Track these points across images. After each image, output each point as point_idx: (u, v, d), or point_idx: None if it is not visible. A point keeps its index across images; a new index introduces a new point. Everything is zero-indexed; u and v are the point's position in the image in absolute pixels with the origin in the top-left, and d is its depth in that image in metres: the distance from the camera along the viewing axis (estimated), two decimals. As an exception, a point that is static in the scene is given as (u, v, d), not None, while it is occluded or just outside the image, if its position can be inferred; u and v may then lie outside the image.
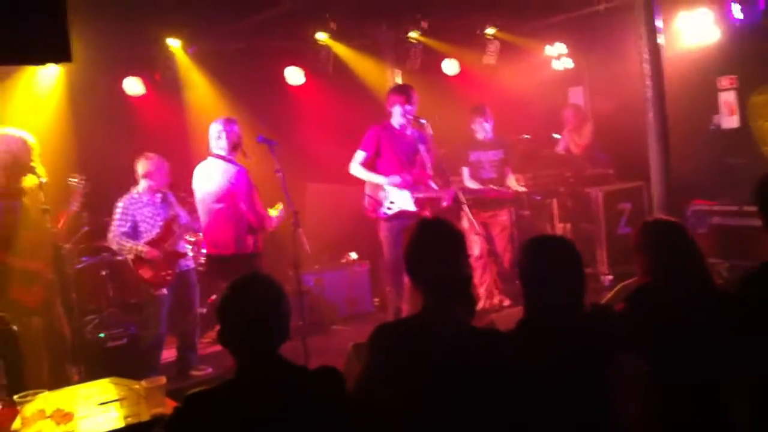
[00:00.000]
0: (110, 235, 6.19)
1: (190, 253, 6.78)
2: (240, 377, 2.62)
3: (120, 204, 6.20)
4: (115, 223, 6.17)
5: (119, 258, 7.09)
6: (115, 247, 6.24)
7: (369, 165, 6.34)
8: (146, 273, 6.14)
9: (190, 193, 6.54)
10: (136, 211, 6.20)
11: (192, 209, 6.49)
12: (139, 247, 6.11)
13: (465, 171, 7.61)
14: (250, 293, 2.68)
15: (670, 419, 3.03)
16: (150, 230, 6.21)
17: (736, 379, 3.06)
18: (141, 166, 6.26)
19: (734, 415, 3.04)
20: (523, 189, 7.69)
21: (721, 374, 3.05)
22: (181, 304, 6.42)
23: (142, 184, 6.27)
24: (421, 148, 6.33)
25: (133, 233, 6.18)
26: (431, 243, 2.90)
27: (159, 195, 6.35)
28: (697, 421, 3.03)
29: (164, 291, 6.22)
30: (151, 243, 6.15)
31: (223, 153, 5.94)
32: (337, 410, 2.66)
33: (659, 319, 3.09)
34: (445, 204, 6.37)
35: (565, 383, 2.78)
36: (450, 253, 2.88)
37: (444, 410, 2.67)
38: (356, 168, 6.34)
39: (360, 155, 6.34)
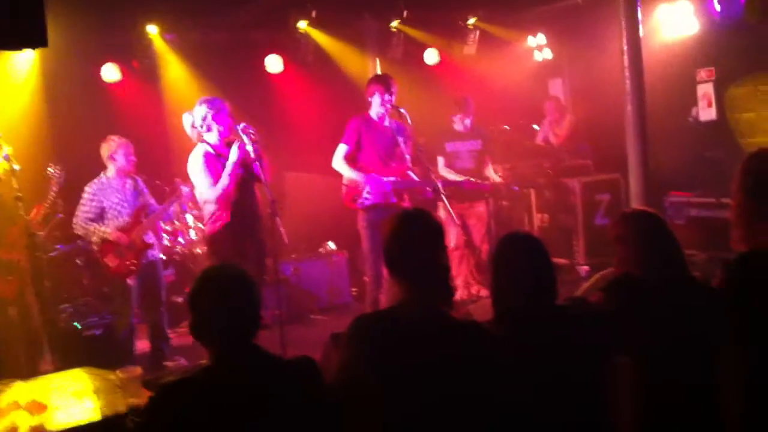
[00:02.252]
0: (75, 219, 6.10)
1: (166, 243, 6.72)
2: (214, 366, 2.61)
3: (88, 189, 6.11)
4: (81, 207, 6.08)
5: (95, 247, 7.04)
6: (80, 231, 6.15)
7: (351, 158, 6.29)
8: (112, 261, 6.06)
9: (167, 181, 6.50)
10: (103, 196, 6.11)
11: (163, 198, 6.42)
12: (103, 229, 6.02)
13: (440, 160, 7.59)
14: (219, 283, 2.65)
15: (652, 412, 3.04)
16: (117, 217, 6.12)
17: (718, 370, 3.07)
18: (104, 149, 6.16)
19: (719, 405, 3.05)
20: (501, 180, 7.71)
21: (702, 365, 3.06)
22: (148, 294, 6.34)
23: (110, 169, 6.18)
24: (400, 138, 6.31)
25: (99, 219, 6.09)
26: (410, 234, 2.89)
27: (129, 182, 6.26)
28: (680, 413, 3.04)
29: (131, 281, 6.13)
30: (119, 230, 6.07)
31: None
32: (312, 400, 2.64)
33: (637, 309, 3.09)
34: (424, 195, 6.35)
35: (544, 374, 2.79)
36: (429, 244, 2.87)
37: (423, 401, 2.66)
38: (339, 163, 6.29)
39: (342, 149, 6.29)
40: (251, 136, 5.53)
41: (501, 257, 3.03)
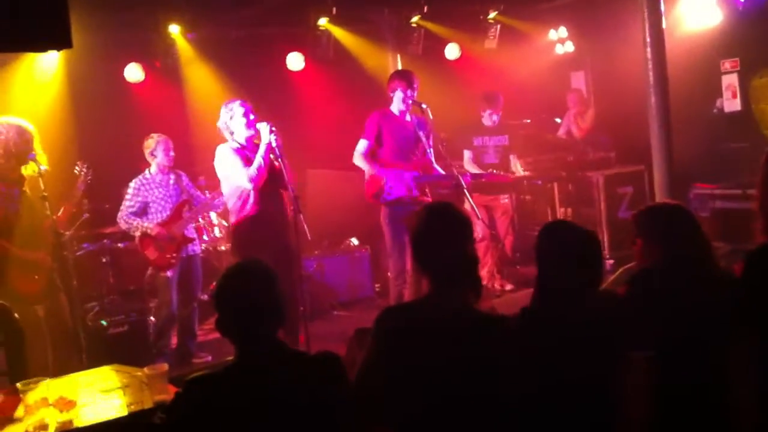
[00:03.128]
0: (119, 214, 6.25)
1: (205, 237, 6.77)
2: (239, 362, 2.63)
3: (131, 184, 6.27)
4: (125, 203, 6.24)
5: (120, 245, 7.11)
6: (123, 226, 6.28)
7: (371, 153, 6.30)
8: (152, 254, 6.20)
9: (191, 179, 6.54)
10: (147, 192, 6.26)
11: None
12: (146, 224, 6.16)
13: (467, 154, 7.60)
14: (244, 280, 2.68)
15: (676, 406, 3.02)
16: (160, 212, 6.26)
17: (741, 362, 3.05)
18: (145, 146, 6.32)
19: (741, 399, 3.03)
20: (527, 174, 7.71)
21: (727, 358, 3.04)
22: (184, 289, 6.42)
23: (153, 165, 6.33)
24: (422, 133, 6.30)
25: (143, 214, 6.25)
26: (438, 227, 2.90)
27: (172, 176, 6.39)
28: (703, 407, 3.02)
29: (169, 273, 6.24)
30: (159, 224, 6.19)
31: None
32: (335, 395, 2.66)
33: (663, 303, 3.07)
34: (446, 188, 6.35)
35: (571, 369, 2.77)
36: (457, 237, 2.88)
37: (449, 394, 2.67)
38: (359, 158, 6.30)
39: (363, 144, 6.30)
40: (274, 133, 5.56)
41: (555, 243, 2.98)
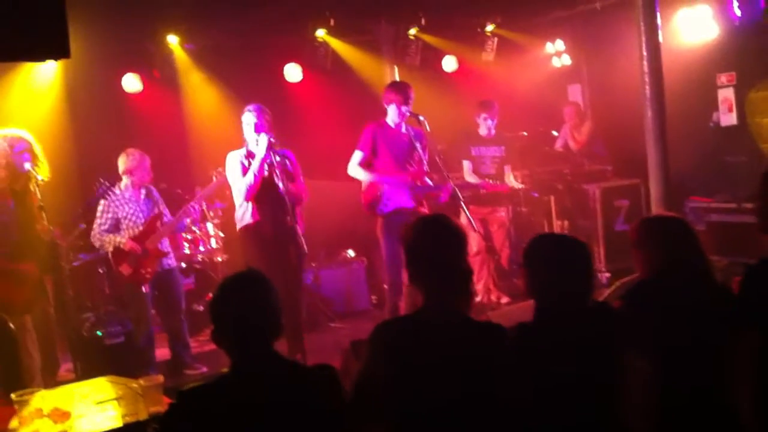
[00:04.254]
0: (92, 232, 6.17)
1: (187, 251, 6.74)
2: (234, 373, 2.62)
3: (102, 201, 6.15)
4: (96, 221, 6.15)
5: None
6: (96, 244, 6.22)
7: (366, 164, 6.32)
8: (126, 270, 6.11)
9: (187, 190, 6.54)
10: (117, 208, 6.15)
11: (178, 206, 6.48)
12: (118, 239, 6.08)
13: (466, 165, 7.60)
14: (240, 291, 2.67)
15: (672, 417, 3.02)
16: (132, 227, 6.17)
17: (738, 374, 3.04)
18: (121, 162, 6.21)
19: (738, 411, 3.02)
20: (521, 186, 7.71)
21: (723, 370, 3.04)
22: (166, 302, 6.41)
23: (124, 181, 6.22)
24: (417, 145, 6.31)
25: (115, 230, 6.15)
26: (432, 239, 2.91)
27: (143, 191, 6.31)
28: (699, 418, 3.02)
29: (145, 289, 6.17)
30: (133, 239, 6.11)
31: None
32: (331, 407, 2.65)
33: (659, 315, 3.08)
34: (442, 200, 6.36)
35: (568, 379, 2.78)
36: (451, 249, 2.89)
37: (445, 406, 2.67)
38: (354, 169, 6.32)
39: (357, 156, 6.33)
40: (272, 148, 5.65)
41: (546, 255, 2.99)
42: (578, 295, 2.92)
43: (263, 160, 5.66)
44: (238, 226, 5.92)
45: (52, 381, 5.34)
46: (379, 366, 2.76)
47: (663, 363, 3.01)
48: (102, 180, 5.93)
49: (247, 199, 5.75)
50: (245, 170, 5.75)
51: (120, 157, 6.23)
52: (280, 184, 5.61)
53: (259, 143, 5.68)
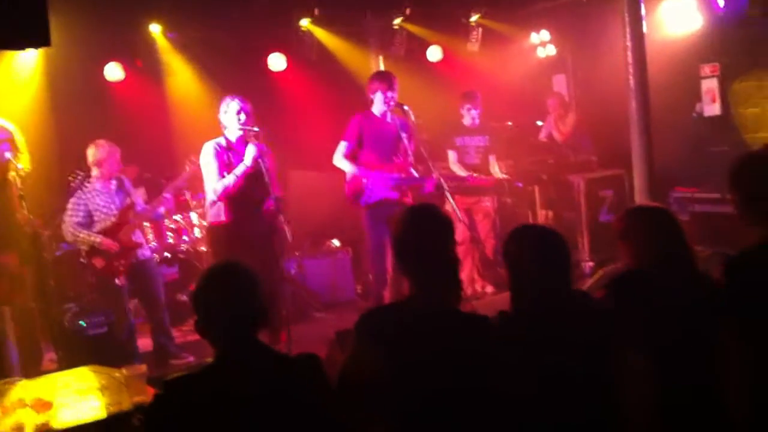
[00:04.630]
0: (64, 226, 6.07)
1: (171, 241, 6.70)
2: (218, 363, 2.61)
3: (72, 195, 6.08)
4: (68, 213, 6.05)
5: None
6: (69, 238, 6.12)
7: (352, 155, 6.30)
8: (99, 263, 6.05)
9: (171, 178, 6.49)
10: (88, 200, 6.08)
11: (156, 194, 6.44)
12: (94, 238, 5.99)
13: (451, 155, 7.62)
14: (223, 280, 2.66)
15: (657, 409, 3.03)
16: (104, 219, 6.09)
17: (722, 367, 3.06)
18: (91, 154, 6.12)
19: (725, 402, 3.04)
20: (505, 176, 7.72)
21: (707, 362, 3.05)
22: (144, 293, 6.38)
23: (94, 172, 6.14)
24: (403, 135, 6.30)
25: (87, 222, 6.07)
26: (420, 228, 2.90)
27: (114, 182, 6.23)
28: (686, 411, 3.03)
29: (120, 281, 6.11)
30: (106, 232, 6.04)
31: None
32: (316, 397, 2.65)
33: (640, 306, 3.08)
34: (426, 191, 6.35)
35: (551, 369, 2.78)
36: (438, 239, 2.89)
37: (431, 396, 2.67)
38: (339, 159, 6.30)
39: (343, 146, 6.30)
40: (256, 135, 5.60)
41: (521, 249, 2.99)
42: (556, 286, 2.92)
43: (248, 169, 5.60)
44: (209, 221, 5.84)
45: (34, 371, 5.31)
46: (365, 355, 2.75)
47: (649, 354, 3.01)
48: (77, 171, 5.86)
49: (220, 199, 5.68)
50: (222, 165, 5.66)
51: (89, 148, 6.14)
52: (264, 178, 5.56)
53: (246, 153, 5.61)
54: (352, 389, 2.75)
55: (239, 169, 5.61)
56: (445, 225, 2.94)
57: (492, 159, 7.72)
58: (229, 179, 5.61)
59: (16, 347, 5.37)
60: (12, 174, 5.19)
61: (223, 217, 5.74)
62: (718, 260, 3.33)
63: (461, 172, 7.45)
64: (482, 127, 7.72)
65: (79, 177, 5.87)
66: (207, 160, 5.72)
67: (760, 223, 3.13)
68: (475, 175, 7.37)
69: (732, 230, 3.32)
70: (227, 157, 5.70)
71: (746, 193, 3.21)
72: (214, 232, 5.90)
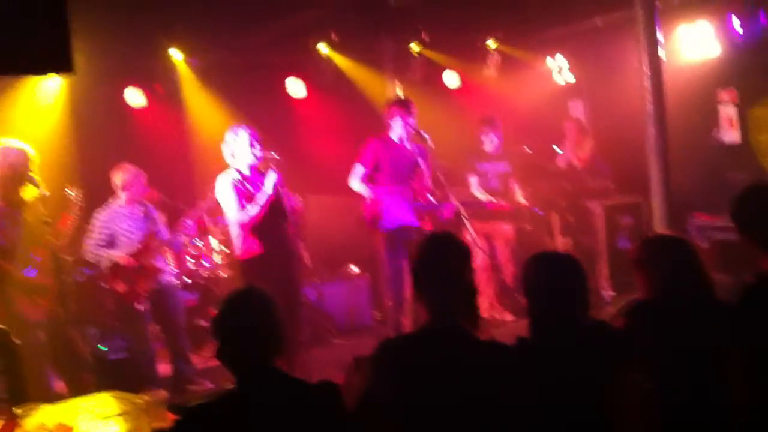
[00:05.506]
0: (85, 247, 6.11)
1: (191, 266, 6.71)
2: (238, 390, 2.62)
3: (97, 216, 6.13)
4: (91, 234, 6.10)
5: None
6: (90, 258, 6.16)
7: (368, 178, 6.32)
8: (121, 288, 6.06)
9: (190, 205, 6.53)
10: (113, 223, 6.12)
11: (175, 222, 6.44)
12: (113, 254, 6.03)
13: (473, 180, 7.64)
14: (242, 308, 2.68)
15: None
16: (128, 244, 6.12)
17: (739, 393, 3.04)
18: (118, 178, 6.19)
19: (738, 429, 3.02)
20: (524, 202, 7.73)
21: (724, 390, 3.04)
22: (165, 318, 6.38)
23: (122, 196, 6.20)
24: (421, 161, 6.33)
25: (110, 246, 6.10)
26: (438, 256, 2.92)
27: (141, 208, 6.28)
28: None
29: (142, 306, 6.13)
30: (128, 255, 6.07)
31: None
32: (334, 424, 2.65)
33: (659, 335, 3.08)
34: (444, 217, 6.37)
35: (569, 399, 2.78)
36: (457, 266, 2.90)
37: (448, 425, 2.66)
38: (355, 183, 6.33)
39: (358, 170, 6.33)
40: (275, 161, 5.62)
41: (538, 275, 3.01)
42: (573, 313, 2.92)
43: (270, 198, 5.60)
44: (240, 251, 5.78)
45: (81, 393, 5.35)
46: (382, 384, 2.76)
47: (662, 383, 3.01)
48: (70, 187, 5.84)
49: (244, 230, 5.66)
50: (242, 197, 5.65)
51: (116, 172, 6.21)
52: (283, 205, 5.58)
53: (266, 181, 5.62)
54: (369, 417, 2.75)
55: (261, 199, 5.61)
56: (463, 252, 2.95)
57: (515, 185, 7.73)
58: (252, 210, 5.60)
59: (48, 371, 5.42)
60: (35, 198, 5.25)
61: (252, 251, 5.68)
62: (738, 288, 3.33)
63: (482, 196, 7.47)
64: (503, 153, 7.75)
65: (74, 193, 5.90)
66: (225, 193, 5.70)
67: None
68: (494, 200, 7.39)
69: (752, 258, 3.31)
70: (244, 186, 5.70)
71: (743, 223, 3.23)
72: (244, 265, 5.81)
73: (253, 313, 2.67)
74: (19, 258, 5.20)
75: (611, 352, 2.94)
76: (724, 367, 3.04)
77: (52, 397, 4.66)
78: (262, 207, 5.59)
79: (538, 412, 2.77)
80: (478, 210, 7.11)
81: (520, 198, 7.67)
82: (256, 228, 5.64)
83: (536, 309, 2.98)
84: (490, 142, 7.67)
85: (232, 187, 5.67)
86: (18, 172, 5.22)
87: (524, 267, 3.06)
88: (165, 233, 6.38)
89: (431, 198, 6.41)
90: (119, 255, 6.04)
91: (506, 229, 7.65)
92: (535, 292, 2.99)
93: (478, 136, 7.74)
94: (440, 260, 2.90)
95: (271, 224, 5.64)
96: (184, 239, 6.71)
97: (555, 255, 3.16)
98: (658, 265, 3.25)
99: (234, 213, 5.65)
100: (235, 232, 5.78)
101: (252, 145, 5.69)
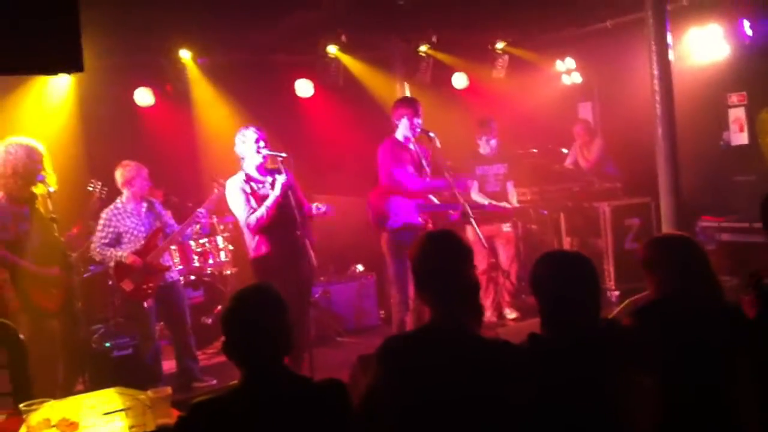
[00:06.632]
0: (92, 246, 6.16)
1: (196, 264, 6.73)
2: (244, 386, 2.62)
3: (103, 215, 6.15)
4: (97, 234, 6.13)
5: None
6: (97, 257, 6.21)
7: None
8: (127, 286, 6.10)
9: (198, 204, 6.54)
10: (119, 222, 6.14)
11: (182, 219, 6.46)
12: (120, 253, 6.06)
13: (474, 185, 7.62)
14: (253, 304, 2.68)
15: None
16: (133, 241, 6.15)
17: (746, 395, 3.03)
18: (119, 175, 6.20)
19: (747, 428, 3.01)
20: (517, 205, 7.72)
21: (731, 391, 3.03)
22: (170, 316, 6.42)
23: (125, 194, 6.22)
24: (424, 162, 6.34)
25: (116, 244, 6.13)
26: (438, 254, 2.91)
27: (145, 204, 6.29)
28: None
29: (148, 304, 6.16)
30: (134, 254, 6.10)
31: None
32: (339, 422, 2.65)
33: (668, 335, 3.07)
34: (453, 218, 6.36)
35: (579, 399, 2.77)
36: (457, 263, 2.89)
37: (454, 421, 2.66)
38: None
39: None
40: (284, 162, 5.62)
41: (550, 274, 3.00)
42: (585, 310, 2.92)
43: (278, 198, 5.62)
44: (251, 255, 5.80)
45: (71, 391, 5.37)
46: (386, 382, 2.76)
47: (669, 382, 3.00)
48: (93, 181, 5.89)
49: (254, 231, 5.67)
50: (252, 199, 5.66)
51: (117, 170, 6.22)
52: (292, 205, 5.58)
53: (276, 182, 5.63)
54: (373, 415, 2.75)
55: (270, 200, 5.61)
56: (463, 249, 2.95)
57: (510, 187, 7.71)
58: (261, 211, 5.60)
59: (62, 365, 5.46)
60: (44, 194, 5.29)
61: (263, 249, 5.70)
62: (745, 290, 3.32)
63: (482, 200, 7.45)
64: (500, 155, 7.73)
65: (98, 186, 5.91)
66: (235, 195, 5.70)
67: None
68: (493, 203, 7.39)
69: (760, 260, 3.30)
70: (252, 188, 5.71)
71: None
72: (255, 264, 5.81)
73: (264, 309, 2.67)
74: (30, 252, 5.23)
75: (621, 352, 2.93)
76: (731, 367, 3.03)
77: (58, 392, 4.67)
78: (269, 208, 5.59)
79: (547, 411, 2.76)
80: (479, 213, 7.10)
81: (514, 201, 7.66)
82: (267, 228, 5.64)
83: (548, 308, 2.96)
84: (486, 146, 7.66)
85: (240, 190, 5.68)
86: (29, 169, 5.24)
87: (534, 266, 3.05)
88: (171, 226, 6.40)
89: (434, 199, 6.41)
90: (125, 254, 6.06)
91: (507, 228, 7.64)
92: (546, 291, 2.98)
93: (474, 139, 7.73)
94: (439, 258, 2.90)
95: (281, 225, 5.64)
96: (194, 229, 6.71)
97: (566, 254, 3.14)
98: (667, 265, 3.24)
99: (244, 215, 5.65)
100: (246, 233, 5.79)
101: (259, 146, 5.69)
